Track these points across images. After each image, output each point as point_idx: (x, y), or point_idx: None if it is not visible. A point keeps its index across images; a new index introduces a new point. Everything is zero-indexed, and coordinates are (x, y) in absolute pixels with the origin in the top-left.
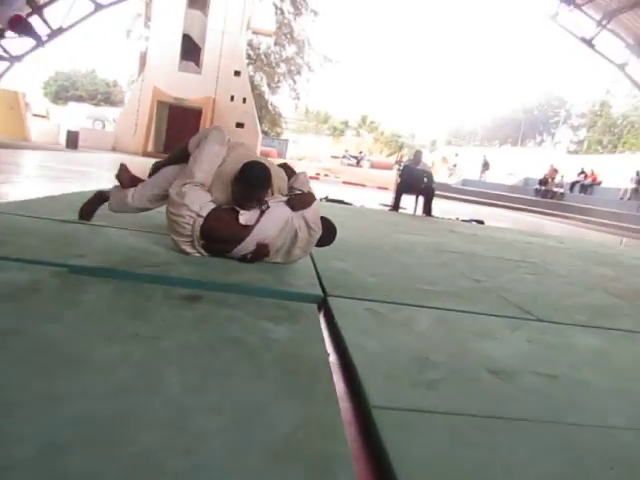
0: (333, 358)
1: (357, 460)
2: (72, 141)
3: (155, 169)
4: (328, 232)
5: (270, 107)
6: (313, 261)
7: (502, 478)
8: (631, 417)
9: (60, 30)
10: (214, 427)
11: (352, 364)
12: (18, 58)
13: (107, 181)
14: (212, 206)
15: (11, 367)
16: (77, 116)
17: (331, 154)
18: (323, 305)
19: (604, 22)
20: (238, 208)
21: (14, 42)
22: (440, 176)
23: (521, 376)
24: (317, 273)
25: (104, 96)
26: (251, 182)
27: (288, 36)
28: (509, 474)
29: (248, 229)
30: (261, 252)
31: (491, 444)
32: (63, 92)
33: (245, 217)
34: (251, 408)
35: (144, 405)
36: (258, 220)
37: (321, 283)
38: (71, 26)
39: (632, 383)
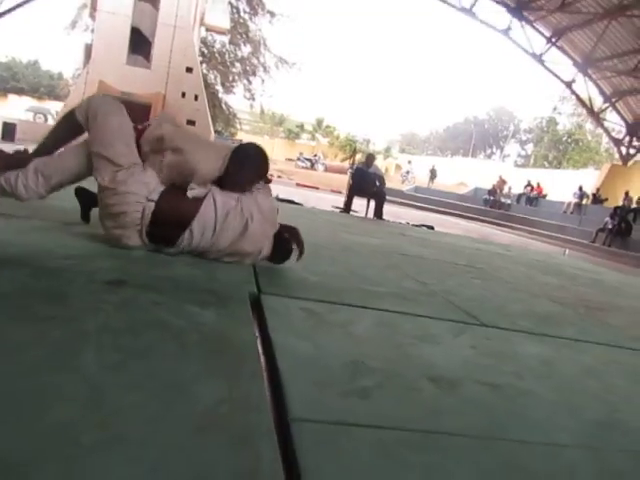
0: (261, 362)
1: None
2: (9, 133)
3: (43, 148)
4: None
5: (224, 106)
6: None
7: None
8: (577, 433)
9: None
10: (133, 402)
11: (276, 368)
12: None
13: None
14: (161, 188)
15: None
16: (17, 109)
17: (286, 156)
18: (255, 304)
19: (554, 39)
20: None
21: None
22: (394, 183)
23: (463, 385)
24: (254, 269)
25: (48, 89)
26: (254, 165)
27: (244, 35)
28: None
29: (196, 205)
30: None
31: (426, 465)
32: (2, 83)
33: (194, 191)
34: (173, 385)
35: (58, 382)
36: (206, 196)
37: (257, 280)
38: (8, 11)
39: (577, 395)
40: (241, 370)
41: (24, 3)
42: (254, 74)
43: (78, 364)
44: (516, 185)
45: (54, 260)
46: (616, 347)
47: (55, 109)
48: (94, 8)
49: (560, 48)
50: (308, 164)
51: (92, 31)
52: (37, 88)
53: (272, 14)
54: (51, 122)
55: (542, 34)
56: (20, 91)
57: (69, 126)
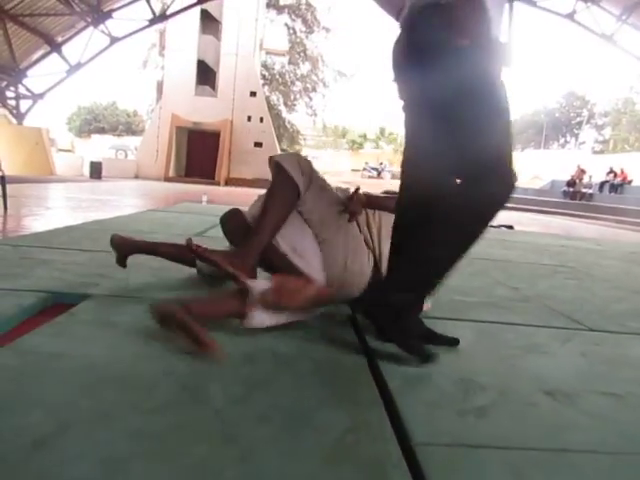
0: (375, 387)
1: None
2: (96, 171)
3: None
4: None
5: (288, 125)
6: None
7: None
8: None
9: (79, 65)
10: (266, 436)
11: (387, 391)
12: (40, 96)
13: (127, 208)
14: None
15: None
16: (101, 148)
17: (351, 167)
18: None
19: (624, 17)
20: None
21: (36, 80)
22: None
23: (582, 397)
24: None
25: (125, 126)
26: None
27: (302, 54)
28: None
29: None
30: None
31: None
32: (86, 125)
33: None
34: (298, 416)
35: (191, 417)
36: None
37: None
38: (89, 61)
39: None
40: (358, 397)
41: (103, 51)
42: (314, 90)
43: (206, 398)
44: (595, 173)
45: (159, 292)
46: None
47: (134, 144)
48: (162, 47)
49: (632, 25)
50: (375, 173)
51: (162, 68)
52: (116, 126)
53: (327, 30)
54: (131, 158)
55: (611, 13)
56: (102, 130)
57: (288, 194)
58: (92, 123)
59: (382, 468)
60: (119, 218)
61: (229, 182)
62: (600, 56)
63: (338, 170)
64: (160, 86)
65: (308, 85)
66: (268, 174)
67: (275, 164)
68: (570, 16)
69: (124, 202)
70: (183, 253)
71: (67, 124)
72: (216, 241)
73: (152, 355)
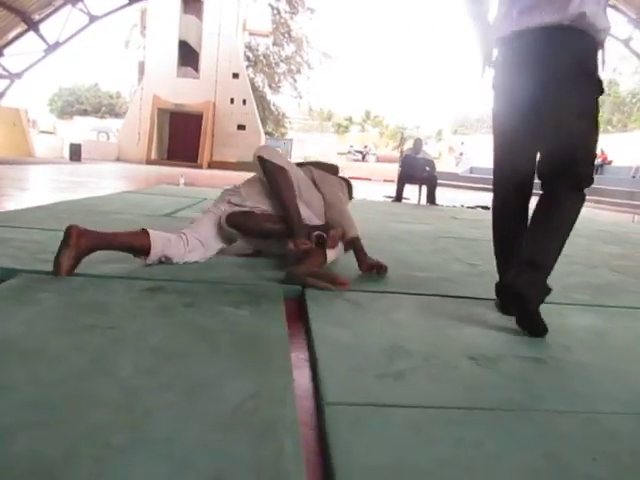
0: (301, 353)
1: (308, 462)
2: (75, 154)
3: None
4: None
5: (273, 108)
6: None
7: (459, 477)
8: (623, 401)
9: (57, 45)
10: (163, 404)
11: (315, 358)
12: (18, 75)
13: (103, 190)
14: None
15: None
16: (83, 130)
17: (337, 151)
18: (300, 297)
19: None
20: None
21: (13, 60)
22: (447, 166)
23: (503, 361)
24: None
25: (108, 108)
26: None
27: (286, 35)
28: (471, 473)
29: None
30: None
31: (456, 438)
32: (68, 107)
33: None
34: (203, 384)
35: (94, 388)
36: None
37: None
38: (67, 40)
39: (629, 364)
40: (270, 366)
41: (82, 30)
42: (299, 72)
43: (114, 369)
44: None
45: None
46: None
47: (116, 127)
48: (144, 26)
49: (613, 6)
50: (359, 156)
51: (144, 48)
52: (99, 108)
53: (312, 10)
54: (113, 139)
55: None
56: (84, 112)
57: (289, 180)
58: (74, 105)
59: (274, 431)
60: (90, 199)
61: (212, 165)
62: None
63: (324, 153)
64: (142, 67)
65: (293, 67)
66: (252, 157)
67: (265, 160)
68: None
69: (100, 184)
70: (137, 242)
71: (49, 105)
72: (182, 221)
73: (67, 330)
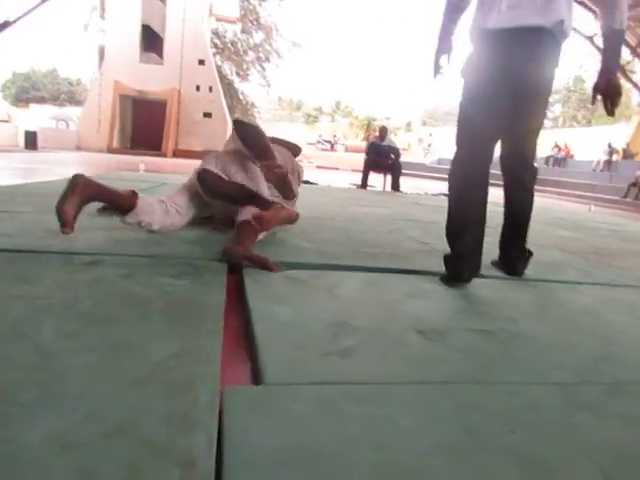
0: (221, 322)
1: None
2: (31, 142)
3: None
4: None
5: (241, 96)
6: None
7: (366, 456)
8: (569, 369)
9: (7, 24)
10: (81, 364)
11: (253, 336)
12: None
13: (56, 176)
14: None
15: None
16: (40, 118)
17: (307, 141)
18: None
19: None
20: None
21: None
22: (416, 156)
23: (453, 334)
24: None
25: (68, 96)
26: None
27: (254, 22)
28: (379, 451)
29: None
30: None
31: (367, 415)
32: (23, 94)
33: None
34: (127, 346)
35: (10, 351)
36: None
37: None
38: (19, 19)
39: (572, 333)
40: (199, 329)
41: (33, 9)
42: (268, 60)
43: (36, 333)
44: (544, 148)
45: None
46: (617, 286)
47: (76, 115)
48: (104, 8)
49: (581, 3)
50: (328, 146)
51: (104, 32)
52: (57, 96)
53: None
54: (72, 128)
55: None
56: (41, 100)
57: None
58: (30, 91)
59: (192, 386)
60: (38, 184)
61: (177, 154)
62: None
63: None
64: (102, 51)
65: (261, 55)
66: (218, 146)
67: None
68: None
69: (54, 170)
70: (127, 202)
71: (1, 92)
72: None
73: None
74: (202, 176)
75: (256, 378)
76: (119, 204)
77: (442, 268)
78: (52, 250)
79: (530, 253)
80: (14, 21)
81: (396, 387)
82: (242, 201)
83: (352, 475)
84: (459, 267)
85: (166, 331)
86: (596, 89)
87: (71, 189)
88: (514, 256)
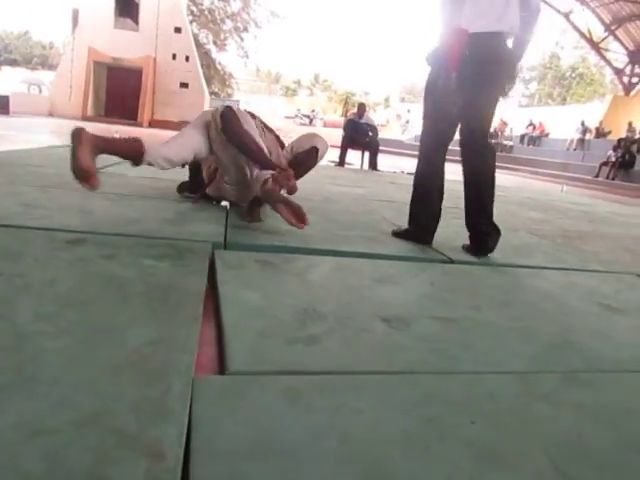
0: (200, 309)
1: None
2: (2, 106)
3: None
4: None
5: (218, 67)
6: (227, 214)
7: (331, 447)
8: (525, 358)
9: None
10: (56, 347)
11: (221, 322)
12: None
13: (29, 144)
14: None
15: None
16: (12, 81)
17: (285, 114)
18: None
19: None
20: None
21: None
22: (394, 133)
23: (417, 322)
24: (226, 223)
25: (41, 59)
26: None
27: None
28: (344, 442)
29: None
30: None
31: (333, 406)
32: None
33: None
34: (104, 330)
35: None
36: None
37: (225, 232)
38: None
39: (533, 320)
40: (178, 315)
41: None
42: (246, 30)
43: (11, 314)
44: (520, 126)
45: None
46: (581, 271)
47: (49, 79)
48: None
49: None
50: (306, 120)
51: None
52: (30, 59)
53: None
54: (45, 93)
55: None
56: (13, 63)
57: None
58: (1, 54)
59: (165, 374)
60: (12, 152)
61: (153, 124)
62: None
63: (271, 117)
64: (76, 15)
65: (239, 24)
66: (194, 117)
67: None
68: None
69: (25, 138)
70: (134, 152)
71: None
72: (112, 177)
73: None
74: (225, 111)
75: (224, 366)
76: (127, 155)
77: (412, 253)
78: (32, 226)
79: (498, 231)
80: None
81: (360, 377)
82: (254, 155)
83: (318, 466)
84: (425, 238)
85: (144, 316)
86: None
87: (78, 141)
88: (483, 230)
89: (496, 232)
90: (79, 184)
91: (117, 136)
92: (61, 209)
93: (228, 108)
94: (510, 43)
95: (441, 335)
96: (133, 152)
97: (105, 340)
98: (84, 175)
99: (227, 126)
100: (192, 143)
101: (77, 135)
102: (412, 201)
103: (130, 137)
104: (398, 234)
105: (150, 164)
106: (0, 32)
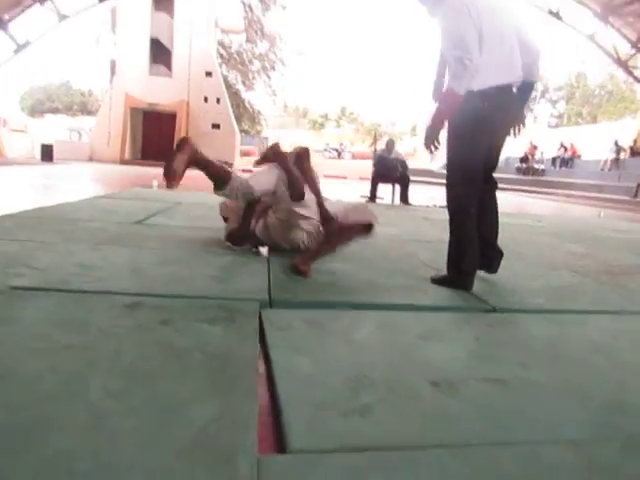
0: (255, 380)
1: None
2: (47, 154)
3: None
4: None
5: (247, 105)
6: (268, 265)
7: None
8: (582, 424)
9: (27, 44)
10: (128, 428)
11: (277, 396)
12: None
13: (75, 194)
14: None
15: None
16: (54, 128)
17: (313, 148)
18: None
19: None
20: None
21: None
22: (422, 162)
23: (466, 385)
24: (269, 277)
25: (80, 106)
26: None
27: (259, 32)
28: None
29: None
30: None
31: None
32: (39, 105)
33: None
34: (170, 407)
35: (63, 412)
36: None
37: (270, 287)
38: (37, 39)
39: (583, 378)
40: (236, 388)
41: (52, 29)
42: (273, 69)
43: (84, 391)
44: (552, 147)
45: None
46: (629, 314)
47: (89, 125)
48: (114, 23)
49: (579, 1)
50: (335, 154)
51: (115, 45)
52: (70, 106)
53: (283, 7)
54: (85, 139)
55: None
56: (55, 110)
57: None
58: (45, 103)
59: (233, 456)
60: (60, 206)
61: None
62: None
63: None
64: (113, 65)
65: (267, 64)
66: (227, 158)
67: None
68: None
69: (74, 187)
70: (223, 173)
71: (19, 104)
72: (153, 228)
73: (42, 350)
74: (304, 149)
75: (284, 442)
76: (215, 173)
77: (454, 302)
78: (91, 290)
79: (501, 253)
80: (33, 41)
81: (416, 453)
82: (318, 191)
83: None
84: (467, 283)
85: (205, 390)
86: None
87: (180, 147)
88: (496, 257)
89: (500, 255)
90: (164, 180)
91: (155, 183)
92: (114, 268)
93: (306, 149)
94: (516, 89)
95: (492, 400)
96: (222, 174)
97: (172, 418)
98: (171, 174)
99: (305, 162)
100: (271, 179)
101: (181, 143)
102: (451, 245)
103: (221, 162)
104: (437, 281)
105: (230, 191)
106: (44, 83)
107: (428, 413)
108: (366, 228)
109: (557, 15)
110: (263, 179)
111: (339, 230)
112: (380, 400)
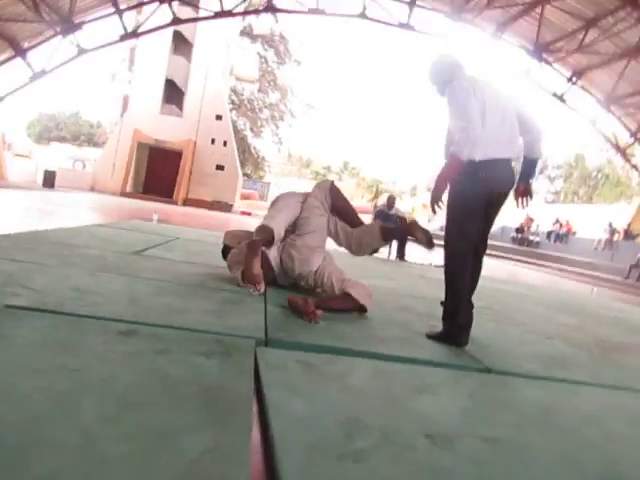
0: (251, 414)
1: None
2: (48, 180)
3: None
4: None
5: (253, 151)
6: (265, 304)
7: None
8: None
9: (43, 73)
10: (121, 453)
11: (270, 435)
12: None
13: (73, 220)
14: None
15: None
16: (60, 156)
17: None
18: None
19: (574, 79)
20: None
21: None
22: (420, 222)
23: (461, 441)
24: (265, 315)
25: (87, 137)
26: None
27: (272, 83)
28: None
29: None
30: None
31: None
32: (46, 133)
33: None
34: (163, 436)
35: (55, 433)
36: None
37: (266, 326)
38: (54, 69)
39: (577, 447)
40: (230, 422)
41: (69, 61)
42: (282, 119)
43: (76, 414)
44: (546, 222)
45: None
46: (623, 389)
47: (93, 156)
48: (132, 62)
49: (581, 87)
50: None
51: (129, 82)
52: (78, 136)
53: (298, 63)
54: (89, 169)
55: (562, 74)
56: (62, 139)
57: None
58: (52, 131)
59: None
60: (58, 230)
61: (187, 202)
62: (553, 111)
63: None
64: (126, 100)
65: (276, 114)
66: (228, 198)
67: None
68: (526, 73)
69: (71, 214)
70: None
71: (26, 130)
72: (151, 260)
73: (33, 370)
74: (333, 183)
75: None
76: (269, 240)
77: (449, 359)
78: (86, 314)
79: (472, 305)
80: (50, 71)
81: None
82: (353, 212)
83: None
84: (462, 338)
85: (200, 422)
86: (517, 191)
87: (254, 253)
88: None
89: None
90: (245, 286)
91: (156, 216)
92: (110, 295)
93: (333, 182)
94: (519, 165)
95: (486, 458)
96: (271, 237)
97: (165, 447)
98: (255, 280)
99: (336, 193)
100: (296, 211)
101: (253, 247)
102: (447, 298)
103: (261, 226)
104: (433, 337)
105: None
106: (54, 112)
107: (423, 465)
108: (361, 308)
109: (561, 98)
110: (287, 213)
111: (344, 295)
112: (374, 446)
